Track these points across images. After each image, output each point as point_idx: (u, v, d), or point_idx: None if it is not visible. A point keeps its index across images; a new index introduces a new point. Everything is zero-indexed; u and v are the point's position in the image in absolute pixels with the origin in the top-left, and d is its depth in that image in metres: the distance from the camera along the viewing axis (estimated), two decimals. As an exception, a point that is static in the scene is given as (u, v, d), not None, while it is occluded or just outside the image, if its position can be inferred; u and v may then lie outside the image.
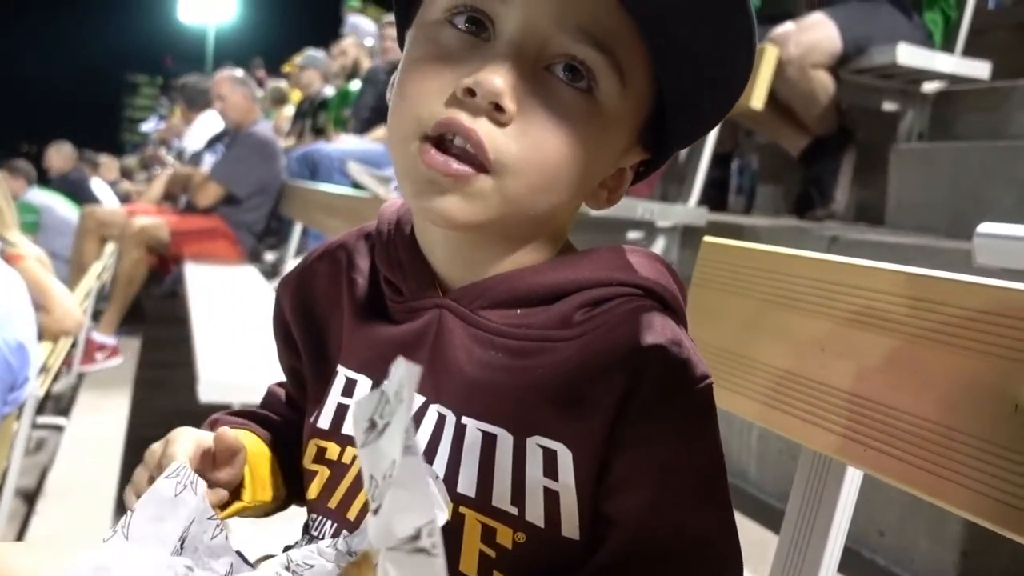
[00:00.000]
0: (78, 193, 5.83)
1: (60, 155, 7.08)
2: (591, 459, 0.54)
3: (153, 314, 4.56)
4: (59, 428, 2.93)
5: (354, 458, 0.60)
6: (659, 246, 2.40)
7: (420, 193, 0.54)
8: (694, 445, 0.56)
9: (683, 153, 2.56)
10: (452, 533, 0.54)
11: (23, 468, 2.04)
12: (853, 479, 0.79)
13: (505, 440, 0.55)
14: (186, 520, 0.54)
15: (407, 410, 0.34)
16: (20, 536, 2.12)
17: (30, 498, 2.37)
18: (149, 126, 9.92)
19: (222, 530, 0.58)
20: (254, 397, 0.86)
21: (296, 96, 7.04)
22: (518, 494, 0.54)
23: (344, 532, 0.59)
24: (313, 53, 6.53)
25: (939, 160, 2.40)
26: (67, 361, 3.34)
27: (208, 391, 1.95)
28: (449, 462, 0.56)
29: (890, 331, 0.73)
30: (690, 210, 2.42)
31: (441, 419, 0.57)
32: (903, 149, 2.57)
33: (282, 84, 7.71)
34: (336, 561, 0.52)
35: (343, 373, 0.63)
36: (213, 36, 29.44)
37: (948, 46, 2.69)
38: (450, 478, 0.55)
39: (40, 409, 2.77)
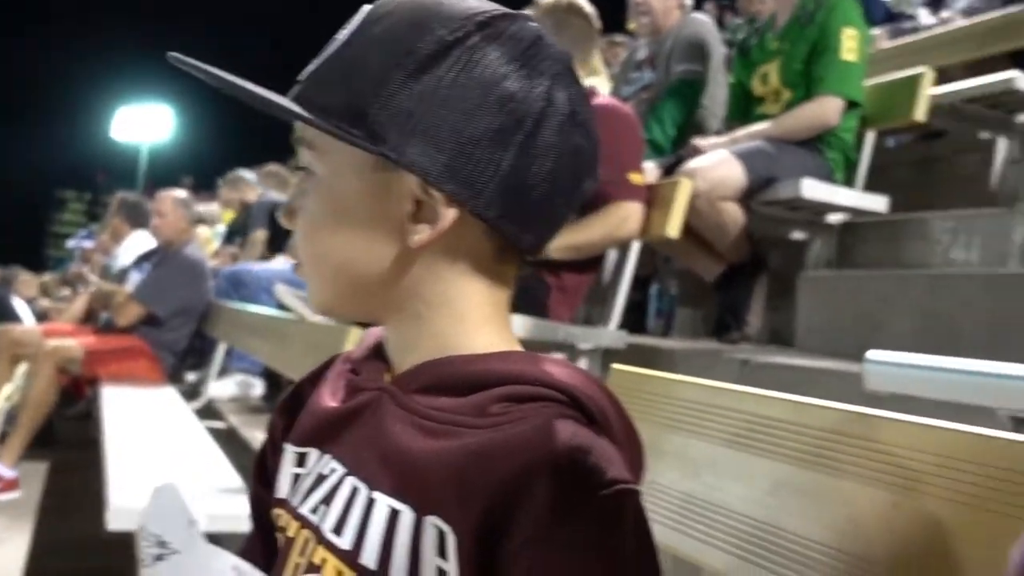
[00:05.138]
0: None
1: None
2: (473, 549, 0.55)
3: (64, 437, 4.39)
4: (-47, 559, 2.76)
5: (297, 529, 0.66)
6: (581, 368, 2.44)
7: None
8: (594, 556, 0.54)
9: (606, 276, 2.64)
10: None
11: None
12: (749, 602, 0.81)
13: (407, 516, 0.58)
14: None
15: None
16: None
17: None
18: (74, 242, 9.79)
19: None
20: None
21: (228, 216, 7.06)
22: (415, 571, 0.57)
23: None
24: (241, 174, 6.59)
25: (843, 287, 2.53)
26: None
27: (117, 519, 1.88)
28: (357, 532, 0.60)
29: (776, 455, 0.77)
30: (610, 333, 2.48)
31: (355, 491, 0.62)
32: (811, 276, 2.70)
33: (213, 206, 7.73)
34: None
35: (290, 450, 0.70)
36: (147, 154, 29.45)
37: (850, 180, 2.87)
38: (355, 548, 0.59)
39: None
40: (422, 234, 0.62)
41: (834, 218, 2.92)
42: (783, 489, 0.74)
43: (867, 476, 0.67)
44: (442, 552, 0.56)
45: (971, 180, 3.09)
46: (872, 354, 1.14)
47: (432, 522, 0.57)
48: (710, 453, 0.87)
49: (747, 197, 2.68)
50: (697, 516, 0.84)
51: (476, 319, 0.65)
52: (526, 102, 0.61)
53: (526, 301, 2.32)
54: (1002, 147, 3.02)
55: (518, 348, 0.66)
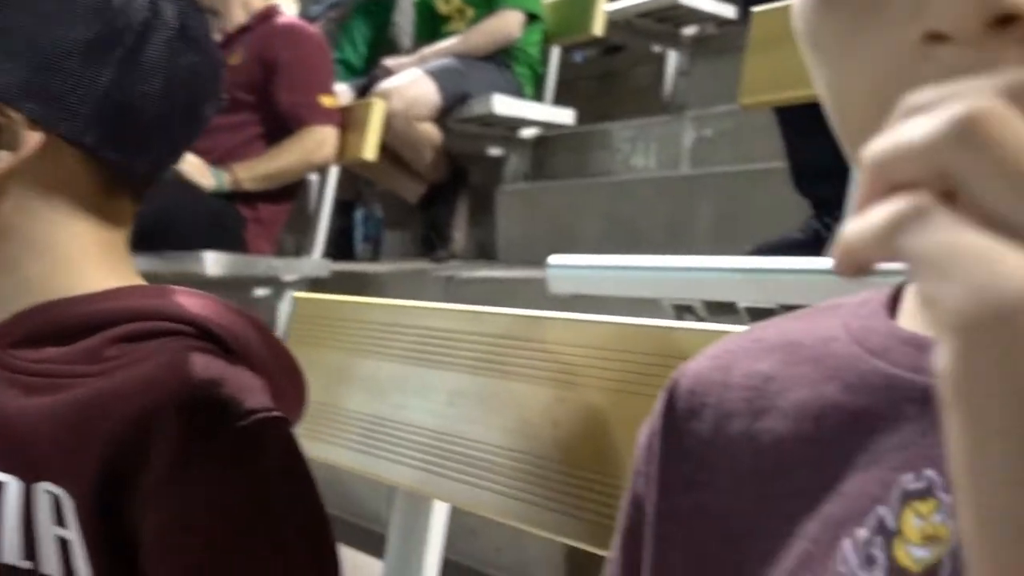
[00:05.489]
0: None
1: None
2: (96, 509, 0.50)
3: None
4: None
5: None
6: (288, 301, 2.37)
7: None
8: (234, 493, 0.51)
9: (312, 204, 2.56)
10: None
11: None
12: (441, 511, 0.82)
13: (14, 488, 0.52)
14: None
15: None
16: None
17: None
18: None
19: None
20: None
21: None
22: (30, 546, 0.51)
23: None
24: None
25: (539, 199, 2.64)
26: None
27: None
28: None
29: (454, 366, 0.77)
30: (313, 262, 2.42)
31: None
32: (509, 190, 2.79)
33: None
34: None
35: None
36: None
37: (539, 96, 2.97)
38: None
39: None
40: (10, 161, 0.54)
41: (527, 132, 3.02)
42: (460, 398, 0.75)
43: (535, 376, 0.69)
44: (60, 520, 0.50)
45: (646, 91, 3.31)
46: (553, 259, 1.18)
47: (44, 488, 0.51)
48: (396, 372, 0.86)
49: (442, 115, 2.70)
50: (385, 436, 0.83)
51: (83, 262, 0.57)
52: (125, 12, 0.54)
53: (222, 236, 2.20)
54: (672, 59, 3.26)
55: (140, 284, 0.59)
